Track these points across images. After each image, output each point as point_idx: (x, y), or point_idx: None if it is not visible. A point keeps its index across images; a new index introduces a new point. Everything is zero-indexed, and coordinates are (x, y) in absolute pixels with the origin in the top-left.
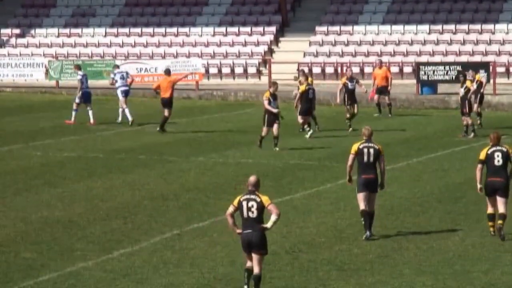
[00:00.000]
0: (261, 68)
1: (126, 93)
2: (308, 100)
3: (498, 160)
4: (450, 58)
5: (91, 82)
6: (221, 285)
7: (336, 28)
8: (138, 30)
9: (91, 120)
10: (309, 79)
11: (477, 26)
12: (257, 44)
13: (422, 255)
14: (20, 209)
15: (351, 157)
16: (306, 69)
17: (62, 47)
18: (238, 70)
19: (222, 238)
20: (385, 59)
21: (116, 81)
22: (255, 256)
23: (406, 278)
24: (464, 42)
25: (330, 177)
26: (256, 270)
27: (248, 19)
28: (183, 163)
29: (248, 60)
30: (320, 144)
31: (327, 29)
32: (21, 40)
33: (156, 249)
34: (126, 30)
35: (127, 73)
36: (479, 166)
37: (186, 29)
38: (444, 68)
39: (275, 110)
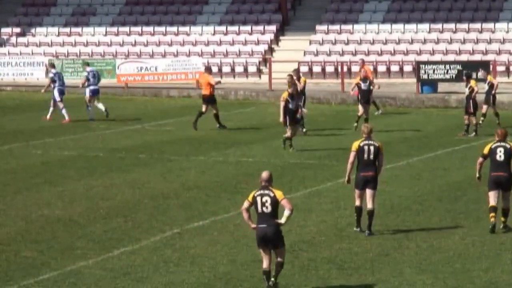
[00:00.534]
0: (261, 67)
1: (95, 92)
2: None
3: (500, 155)
4: (450, 57)
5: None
6: (221, 283)
7: (336, 27)
8: (138, 29)
9: (66, 118)
10: (302, 78)
11: (477, 25)
12: (258, 43)
13: (423, 253)
14: (20, 208)
15: (352, 154)
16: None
17: (62, 46)
18: (239, 69)
19: (223, 236)
20: (385, 58)
21: (89, 79)
22: (276, 251)
23: (406, 276)
24: (464, 41)
25: (330, 176)
26: (279, 259)
27: (249, 18)
28: (183, 162)
29: (249, 59)
30: (320, 143)
31: (328, 28)
32: (21, 39)
33: (156, 248)
34: (126, 29)
35: (98, 72)
36: (481, 159)
37: (186, 28)
38: (444, 67)
39: (281, 118)
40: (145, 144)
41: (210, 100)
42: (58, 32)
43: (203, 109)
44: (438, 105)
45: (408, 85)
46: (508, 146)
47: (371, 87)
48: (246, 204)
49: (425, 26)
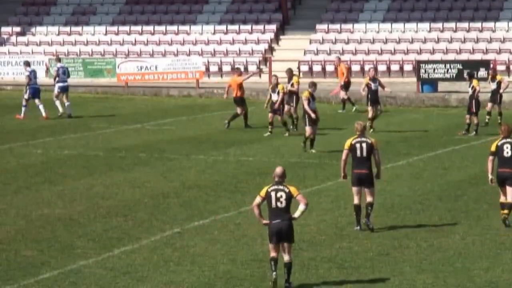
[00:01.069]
0: (261, 66)
1: (64, 89)
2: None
3: (507, 151)
4: (451, 56)
5: (91, 80)
6: (222, 282)
7: (336, 26)
8: (138, 28)
9: (44, 114)
10: (295, 78)
11: (478, 24)
12: (258, 42)
13: (423, 253)
14: (20, 207)
15: (345, 152)
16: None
17: (62, 45)
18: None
19: (223, 236)
20: (385, 57)
21: (59, 75)
22: (285, 245)
23: (406, 276)
24: (464, 40)
25: (331, 175)
26: (286, 258)
27: (249, 17)
28: (183, 161)
29: (249, 58)
30: (321, 142)
31: (328, 27)
32: (21, 38)
33: (156, 247)
34: (126, 28)
35: (67, 69)
36: (490, 157)
37: (186, 27)
38: (445, 66)
39: (313, 115)
40: (145, 143)
41: (236, 101)
42: (58, 31)
43: (238, 111)
44: (438, 104)
45: (408, 84)
46: None
47: (379, 88)
48: (258, 199)
49: (425, 25)
